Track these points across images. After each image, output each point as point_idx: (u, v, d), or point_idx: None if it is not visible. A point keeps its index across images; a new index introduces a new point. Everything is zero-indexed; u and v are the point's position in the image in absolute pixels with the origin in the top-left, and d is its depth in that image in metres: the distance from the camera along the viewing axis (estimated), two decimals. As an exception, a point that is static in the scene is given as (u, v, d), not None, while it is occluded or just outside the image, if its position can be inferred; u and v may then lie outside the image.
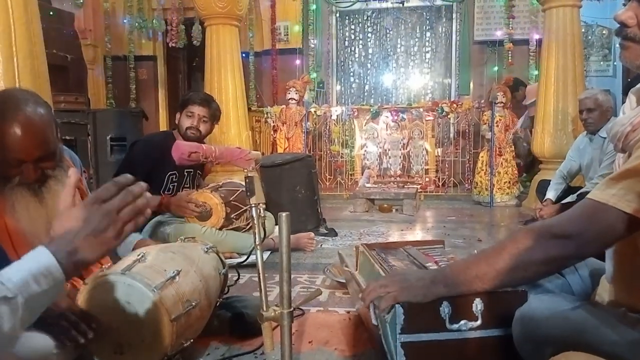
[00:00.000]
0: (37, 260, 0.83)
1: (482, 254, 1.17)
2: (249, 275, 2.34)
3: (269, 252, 2.80)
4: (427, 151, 5.65)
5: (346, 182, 5.77)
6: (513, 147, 5.16)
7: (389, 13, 7.20)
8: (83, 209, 0.88)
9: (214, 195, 2.66)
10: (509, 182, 5.02)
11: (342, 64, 7.46)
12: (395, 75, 7.36)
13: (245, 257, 1.84)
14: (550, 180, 3.67)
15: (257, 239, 1.39)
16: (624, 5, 1.06)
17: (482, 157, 5.15)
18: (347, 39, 7.44)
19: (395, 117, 5.67)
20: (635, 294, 1.04)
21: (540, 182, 4.17)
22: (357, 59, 7.46)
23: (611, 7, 5.58)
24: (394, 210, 4.57)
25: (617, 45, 1.14)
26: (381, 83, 7.41)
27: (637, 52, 1.05)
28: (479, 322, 1.17)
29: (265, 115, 6.05)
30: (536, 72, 5.90)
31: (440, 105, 5.54)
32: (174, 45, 6.78)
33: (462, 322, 1.16)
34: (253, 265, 1.45)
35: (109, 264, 1.48)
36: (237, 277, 1.89)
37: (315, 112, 5.88)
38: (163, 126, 7.21)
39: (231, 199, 2.73)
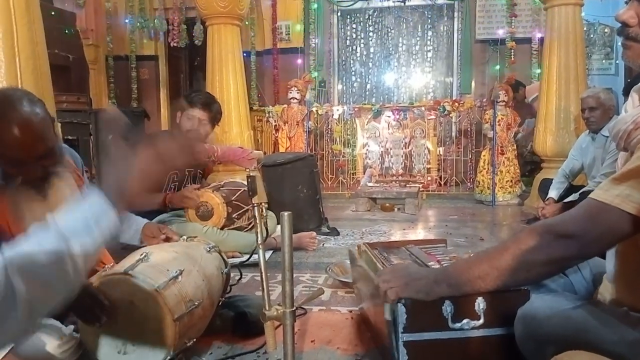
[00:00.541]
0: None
1: (484, 254, 1.17)
2: (251, 275, 2.34)
3: (271, 252, 2.80)
4: (429, 150, 5.64)
5: (348, 181, 5.77)
6: (515, 146, 5.16)
7: (391, 12, 7.20)
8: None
9: (215, 194, 2.66)
10: (511, 181, 5.01)
11: (343, 63, 7.46)
12: (396, 74, 7.36)
13: (247, 256, 1.84)
14: (552, 179, 3.66)
15: (259, 239, 1.40)
16: (626, 3, 1.06)
17: (484, 155, 5.14)
18: (348, 38, 7.43)
19: (397, 116, 5.66)
20: (637, 293, 1.04)
21: (542, 181, 4.16)
22: (358, 58, 7.46)
23: (613, 5, 5.56)
24: (396, 209, 4.56)
25: (620, 45, 1.14)
26: (383, 82, 7.41)
27: (639, 52, 1.05)
28: (481, 321, 1.17)
29: (267, 115, 6.05)
30: (538, 71, 5.88)
31: (442, 104, 5.53)
32: (175, 45, 6.79)
33: (465, 321, 1.17)
34: (255, 265, 1.45)
35: (112, 264, 1.49)
36: (239, 277, 1.90)
37: (316, 111, 5.88)
38: (165, 126, 7.21)
39: (233, 198, 2.73)
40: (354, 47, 7.45)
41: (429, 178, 5.60)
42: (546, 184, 3.77)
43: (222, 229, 2.68)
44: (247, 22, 6.41)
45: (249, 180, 1.45)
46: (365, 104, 6.07)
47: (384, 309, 1.19)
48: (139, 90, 7.20)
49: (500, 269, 1.09)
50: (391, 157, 5.69)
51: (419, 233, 3.66)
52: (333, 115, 5.86)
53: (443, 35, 7.17)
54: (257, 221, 1.42)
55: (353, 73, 7.48)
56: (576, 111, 4.14)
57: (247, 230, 2.79)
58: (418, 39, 7.27)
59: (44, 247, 0.77)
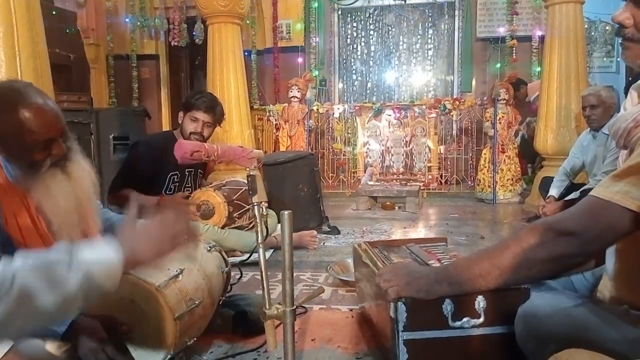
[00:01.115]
0: (104, 250, 0.94)
1: (485, 253, 1.16)
2: (252, 274, 2.34)
3: (271, 250, 2.80)
4: (429, 148, 5.63)
5: (349, 179, 5.76)
6: (517, 145, 5.15)
7: (391, 10, 7.19)
8: (156, 226, 1.03)
9: (216, 193, 2.66)
10: (512, 179, 5.01)
11: (344, 61, 7.45)
12: (397, 72, 7.35)
13: (247, 255, 1.85)
14: (553, 177, 3.66)
15: (259, 237, 1.40)
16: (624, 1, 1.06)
17: (484, 154, 5.14)
18: (349, 36, 7.42)
19: (398, 115, 5.66)
20: (637, 291, 1.04)
21: (543, 179, 4.16)
22: (359, 57, 7.45)
23: (614, 3, 5.54)
24: (396, 207, 4.56)
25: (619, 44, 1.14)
26: (383, 80, 7.40)
27: (637, 52, 1.05)
28: (481, 319, 1.17)
29: (268, 114, 6.04)
30: (539, 69, 5.88)
31: (442, 102, 5.52)
32: (176, 44, 6.78)
33: (465, 319, 1.17)
34: (256, 264, 1.45)
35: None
36: (239, 276, 1.90)
37: (317, 110, 5.87)
38: (166, 125, 7.21)
39: (234, 197, 2.73)
40: (355, 46, 7.44)
41: (430, 176, 5.60)
42: (547, 182, 3.77)
43: (223, 227, 2.68)
44: (247, 21, 6.41)
45: (249, 179, 1.45)
46: (366, 103, 6.07)
47: (388, 307, 1.20)
48: (140, 89, 7.19)
49: (502, 267, 1.09)
50: (392, 155, 5.68)
51: (420, 231, 3.66)
52: (334, 113, 5.85)
53: (444, 33, 7.16)
54: (257, 220, 1.42)
55: (354, 71, 7.47)
56: (577, 109, 4.13)
57: (247, 229, 2.79)
58: (419, 37, 7.26)
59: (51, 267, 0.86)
